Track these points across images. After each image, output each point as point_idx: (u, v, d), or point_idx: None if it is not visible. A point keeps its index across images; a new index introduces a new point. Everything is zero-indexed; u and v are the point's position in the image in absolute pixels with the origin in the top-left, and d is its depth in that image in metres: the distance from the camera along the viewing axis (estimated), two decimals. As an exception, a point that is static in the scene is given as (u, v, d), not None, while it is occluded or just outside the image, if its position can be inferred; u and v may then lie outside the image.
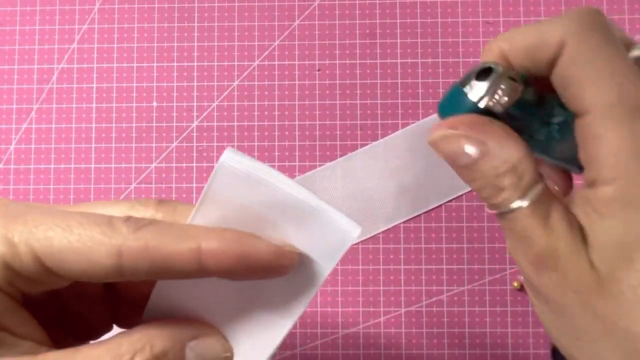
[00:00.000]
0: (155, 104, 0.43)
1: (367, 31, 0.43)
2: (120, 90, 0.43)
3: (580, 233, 0.18)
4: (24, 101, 0.43)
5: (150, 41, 0.43)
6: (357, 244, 0.41)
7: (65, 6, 0.43)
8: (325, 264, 0.20)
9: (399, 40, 0.42)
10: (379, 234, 0.41)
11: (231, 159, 0.20)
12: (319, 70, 0.42)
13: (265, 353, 0.21)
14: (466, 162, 0.19)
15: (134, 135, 0.42)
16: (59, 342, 0.21)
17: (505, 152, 0.18)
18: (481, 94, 0.19)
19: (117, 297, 0.23)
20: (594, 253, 0.18)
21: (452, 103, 0.20)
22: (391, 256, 0.41)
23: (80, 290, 0.22)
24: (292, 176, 0.41)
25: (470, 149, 0.19)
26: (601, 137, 0.18)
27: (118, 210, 0.21)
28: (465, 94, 0.19)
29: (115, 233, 0.18)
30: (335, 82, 0.42)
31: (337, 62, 0.42)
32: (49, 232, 0.18)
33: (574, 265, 0.18)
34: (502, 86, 0.19)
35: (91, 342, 0.19)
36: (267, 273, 0.19)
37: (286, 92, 0.42)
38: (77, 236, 0.18)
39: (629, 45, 0.20)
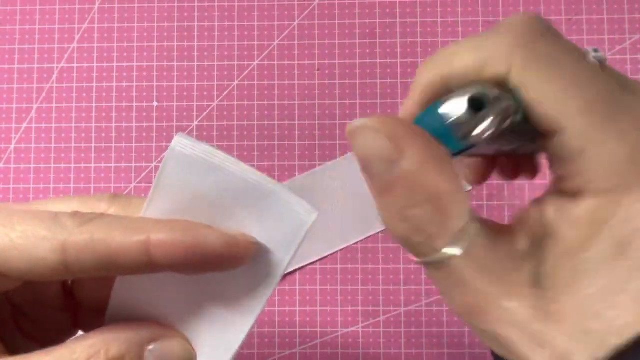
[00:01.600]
0: (155, 103, 0.43)
1: (367, 31, 0.43)
2: (120, 90, 0.43)
3: (525, 260, 0.16)
4: (24, 100, 0.43)
5: (150, 41, 0.43)
6: (357, 243, 0.41)
7: (65, 5, 0.43)
8: (283, 255, 0.19)
9: (398, 40, 0.42)
10: (378, 233, 0.41)
11: (182, 145, 0.18)
12: (318, 70, 0.42)
13: (227, 353, 0.20)
14: (378, 171, 0.16)
15: (133, 134, 0.42)
16: (20, 347, 0.20)
17: (428, 177, 0.15)
18: (486, 129, 0.16)
19: (77, 302, 0.22)
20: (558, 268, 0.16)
21: (447, 138, 0.16)
22: (390, 255, 0.41)
23: (37, 295, 0.21)
24: (291, 175, 0.41)
25: (386, 155, 0.16)
26: (585, 150, 0.15)
27: (69, 206, 0.20)
28: (464, 130, 0.16)
29: (59, 228, 0.17)
30: (335, 82, 0.42)
31: (337, 61, 0.42)
32: None
33: (518, 310, 0.15)
34: (502, 114, 0.16)
35: (47, 348, 0.19)
36: (220, 265, 0.18)
37: (286, 92, 0.42)
38: (19, 233, 0.17)
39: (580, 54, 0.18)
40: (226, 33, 0.43)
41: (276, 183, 0.18)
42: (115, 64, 0.43)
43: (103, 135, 0.42)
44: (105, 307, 0.20)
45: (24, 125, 0.43)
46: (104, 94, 0.43)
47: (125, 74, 0.43)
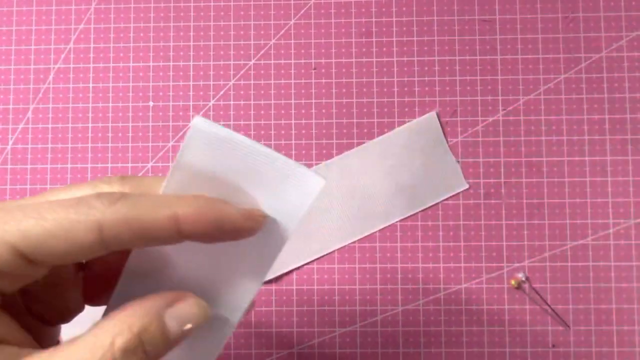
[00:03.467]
0: (151, 103, 0.43)
1: (363, 29, 0.43)
2: (117, 90, 0.43)
3: None
4: (21, 101, 0.43)
5: (146, 41, 0.43)
6: (354, 242, 0.41)
7: (62, 6, 0.43)
8: (290, 224, 0.21)
9: (395, 39, 0.42)
10: (375, 232, 0.41)
11: (202, 124, 0.21)
12: (315, 69, 0.42)
13: (236, 313, 0.22)
14: None
15: (130, 134, 0.42)
16: (29, 330, 0.21)
17: None
18: None
19: (87, 277, 0.23)
20: None
21: None
22: (388, 254, 0.41)
23: (52, 278, 0.22)
24: (288, 175, 0.41)
25: None
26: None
27: (82, 192, 0.21)
28: None
29: (90, 209, 0.18)
30: (331, 81, 0.42)
31: (333, 60, 0.42)
32: (21, 224, 0.18)
33: None
34: None
35: (66, 341, 0.19)
36: (237, 234, 0.20)
37: (282, 91, 0.42)
38: (52, 221, 0.18)
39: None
40: (222, 32, 0.43)
41: (287, 158, 0.21)
42: (111, 64, 0.43)
43: (99, 135, 0.42)
44: (111, 278, 0.22)
45: (21, 125, 0.43)
46: (100, 94, 0.43)
47: (121, 74, 0.43)
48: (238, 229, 0.20)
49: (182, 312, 0.20)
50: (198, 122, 0.21)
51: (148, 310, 0.20)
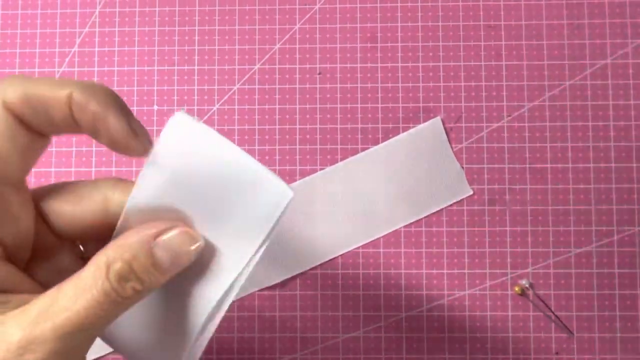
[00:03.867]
0: (155, 107, 0.43)
1: (368, 35, 0.42)
2: (121, 94, 0.43)
3: None
4: (25, 104, 0.43)
5: (151, 45, 0.43)
6: (358, 248, 0.41)
7: (66, 9, 0.43)
8: (259, 232, 0.21)
9: (399, 44, 0.42)
10: (379, 238, 0.41)
11: (182, 118, 0.21)
12: (319, 73, 0.42)
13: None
14: None
15: (134, 138, 0.42)
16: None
17: None
18: None
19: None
20: None
21: None
22: (392, 260, 0.41)
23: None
24: (292, 180, 0.41)
25: None
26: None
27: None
28: None
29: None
30: (336, 86, 0.42)
31: (338, 65, 0.42)
32: None
33: None
34: None
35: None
36: (121, 146, 0.21)
37: (287, 96, 0.42)
38: None
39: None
40: (227, 37, 0.43)
41: (261, 165, 0.21)
42: (115, 68, 0.43)
43: (104, 139, 0.42)
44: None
45: (25, 129, 0.43)
46: (105, 98, 0.43)
47: (125, 78, 0.43)
48: (120, 140, 0.20)
49: (171, 240, 0.20)
50: (178, 116, 0.21)
51: (137, 239, 0.20)
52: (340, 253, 0.41)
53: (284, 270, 0.41)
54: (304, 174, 0.42)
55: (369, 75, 0.42)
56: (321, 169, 0.42)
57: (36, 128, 0.20)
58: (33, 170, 0.42)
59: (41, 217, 0.22)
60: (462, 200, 0.41)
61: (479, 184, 0.41)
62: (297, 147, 0.42)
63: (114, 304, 0.19)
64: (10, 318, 0.19)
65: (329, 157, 0.42)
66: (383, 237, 0.41)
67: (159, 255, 0.20)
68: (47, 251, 0.23)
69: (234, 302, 0.40)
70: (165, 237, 0.20)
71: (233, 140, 0.42)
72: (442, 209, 0.41)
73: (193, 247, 0.21)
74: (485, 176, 0.41)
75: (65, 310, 0.19)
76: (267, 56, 0.43)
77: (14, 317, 0.19)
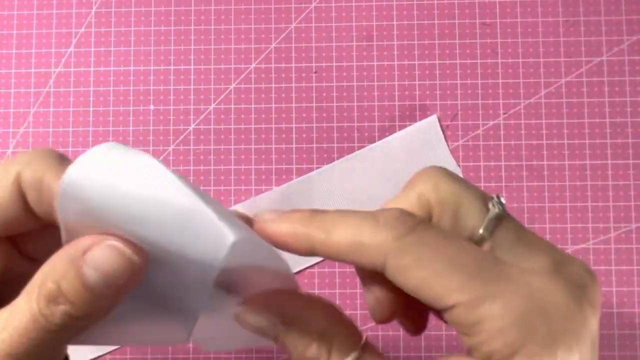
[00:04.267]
0: (152, 107, 0.43)
1: (364, 33, 0.43)
2: (117, 94, 0.43)
3: None
4: (21, 105, 0.43)
5: (147, 44, 0.43)
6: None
7: (62, 10, 0.43)
8: (205, 276, 0.18)
9: (395, 43, 0.42)
10: (376, 236, 0.41)
11: (109, 148, 0.19)
12: (315, 72, 0.42)
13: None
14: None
15: (131, 138, 0.42)
16: None
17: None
18: None
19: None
20: None
21: None
22: (389, 259, 0.41)
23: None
24: (289, 179, 0.41)
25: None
26: (474, 324, 0.18)
27: None
28: None
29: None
30: (332, 85, 0.42)
31: (334, 64, 0.42)
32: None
33: None
34: None
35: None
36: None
37: (283, 95, 0.42)
38: None
39: (484, 197, 0.20)
40: (223, 36, 0.43)
41: (202, 203, 0.17)
42: (112, 68, 0.43)
43: (100, 139, 0.42)
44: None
45: (22, 129, 0.43)
46: (101, 98, 0.43)
47: (122, 78, 0.43)
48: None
49: (98, 257, 0.18)
50: (105, 146, 0.19)
51: (63, 258, 0.18)
52: (337, 251, 0.41)
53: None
54: (300, 173, 0.42)
55: (364, 73, 0.42)
56: (318, 168, 0.42)
57: (37, 214, 0.20)
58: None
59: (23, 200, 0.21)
60: (458, 198, 0.41)
61: (475, 182, 0.41)
62: (294, 145, 0.42)
63: (43, 331, 0.18)
64: None
65: (325, 155, 0.42)
66: (380, 235, 0.41)
67: (88, 275, 0.17)
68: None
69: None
70: (92, 253, 0.18)
71: (229, 140, 0.42)
72: (438, 207, 0.41)
73: (121, 264, 0.18)
74: (482, 174, 0.41)
75: None
76: (263, 55, 0.43)
77: None
